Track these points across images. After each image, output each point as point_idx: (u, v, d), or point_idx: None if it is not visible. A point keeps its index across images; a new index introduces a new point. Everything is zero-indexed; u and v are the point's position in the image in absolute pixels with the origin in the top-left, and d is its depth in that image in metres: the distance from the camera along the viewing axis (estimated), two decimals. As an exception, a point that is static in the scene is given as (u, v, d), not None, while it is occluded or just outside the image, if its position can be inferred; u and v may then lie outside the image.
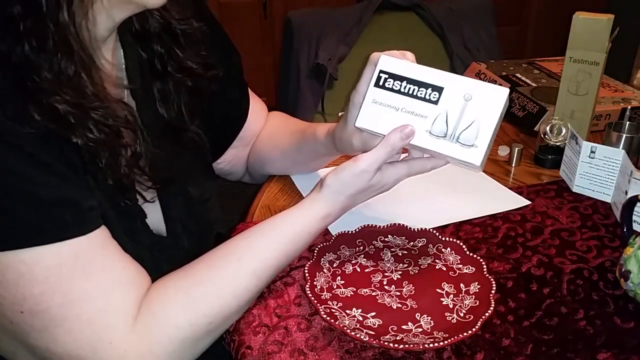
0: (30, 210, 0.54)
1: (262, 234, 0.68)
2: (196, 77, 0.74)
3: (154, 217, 0.72)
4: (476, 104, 0.62)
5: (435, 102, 0.63)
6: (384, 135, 0.65)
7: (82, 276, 0.56)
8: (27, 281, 0.54)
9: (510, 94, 0.62)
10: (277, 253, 0.67)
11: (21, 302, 0.54)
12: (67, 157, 0.57)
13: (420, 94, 0.64)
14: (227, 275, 0.64)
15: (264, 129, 0.96)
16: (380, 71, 0.66)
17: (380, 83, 0.66)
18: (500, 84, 1.26)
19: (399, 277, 0.73)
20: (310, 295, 0.66)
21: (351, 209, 0.73)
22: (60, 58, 0.55)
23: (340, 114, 0.76)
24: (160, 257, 0.69)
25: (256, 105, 0.94)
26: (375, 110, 0.66)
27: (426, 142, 0.64)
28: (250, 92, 0.93)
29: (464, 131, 0.62)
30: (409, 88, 0.64)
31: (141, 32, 0.71)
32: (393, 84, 0.65)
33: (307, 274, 0.70)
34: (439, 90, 0.63)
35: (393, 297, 0.69)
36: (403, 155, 0.72)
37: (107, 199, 0.63)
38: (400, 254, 0.77)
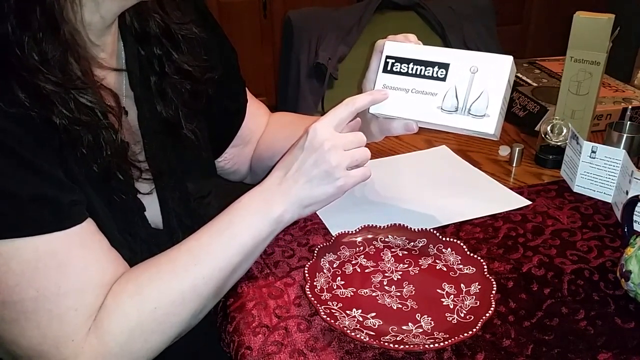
0: (8, 205, 0.54)
1: (217, 241, 0.66)
2: (193, 80, 0.75)
3: (152, 210, 0.72)
4: (483, 74, 0.64)
5: (443, 79, 0.65)
6: (400, 118, 0.68)
7: (57, 272, 0.57)
8: (3, 273, 0.55)
9: (512, 69, 0.64)
10: (229, 264, 0.65)
11: None
12: (49, 147, 0.57)
13: (428, 72, 0.66)
14: (179, 264, 0.63)
15: (276, 123, 0.96)
16: (387, 57, 0.68)
17: (388, 68, 0.68)
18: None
19: (399, 277, 0.72)
20: (310, 295, 0.66)
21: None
22: (45, 37, 0.56)
23: None
24: (156, 251, 0.69)
25: (254, 105, 0.94)
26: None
27: (439, 118, 0.66)
28: (248, 92, 0.93)
29: (474, 103, 0.64)
30: (416, 69, 0.66)
31: (141, 34, 0.72)
32: (400, 67, 0.67)
33: (307, 275, 0.70)
34: (445, 67, 0.65)
35: (393, 297, 0.69)
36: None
37: (98, 192, 0.63)
38: (400, 254, 0.76)
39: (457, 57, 0.65)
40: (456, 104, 0.64)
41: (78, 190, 0.60)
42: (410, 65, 0.67)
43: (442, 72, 0.65)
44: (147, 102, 0.73)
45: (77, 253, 0.59)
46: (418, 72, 0.66)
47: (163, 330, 0.62)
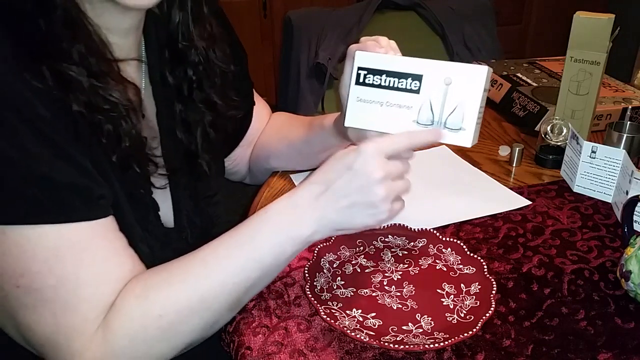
0: (42, 190, 0.55)
1: (234, 255, 0.62)
2: (217, 112, 0.77)
3: (164, 208, 0.73)
4: (457, 86, 0.61)
5: (417, 91, 0.63)
6: (376, 132, 0.65)
7: (78, 262, 0.57)
8: (28, 258, 0.55)
9: (489, 73, 0.62)
10: (245, 279, 0.61)
11: (19, 277, 0.56)
12: (79, 135, 0.59)
13: (402, 85, 0.63)
14: (193, 274, 0.61)
15: (270, 123, 0.97)
16: (359, 68, 0.65)
17: (361, 80, 0.65)
18: (502, 83, 1.26)
19: (399, 277, 0.72)
20: (310, 295, 0.66)
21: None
22: (64, 28, 0.58)
23: None
24: (168, 249, 0.70)
25: (259, 104, 0.96)
26: (361, 108, 0.66)
27: None
28: (255, 93, 0.94)
29: (449, 116, 0.62)
30: (390, 81, 0.64)
31: (181, 55, 0.74)
32: (373, 79, 0.65)
33: (307, 275, 0.70)
34: (419, 78, 0.63)
35: (393, 297, 0.69)
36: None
37: (121, 186, 0.64)
38: (400, 255, 0.76)
39: (430, 68, 0.62)
40: (432, 117, 0.62)
41: (105, 185, 0.61)
42: (383, 77, 0.64)
43: (415, 84, 0.63)
44: (167, 103, 0.75)
45: (99, 245, 0.59)
46: (391, 85, 0.64)
47: (168, 338, 0.60)
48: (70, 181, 0.57)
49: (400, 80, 0.63)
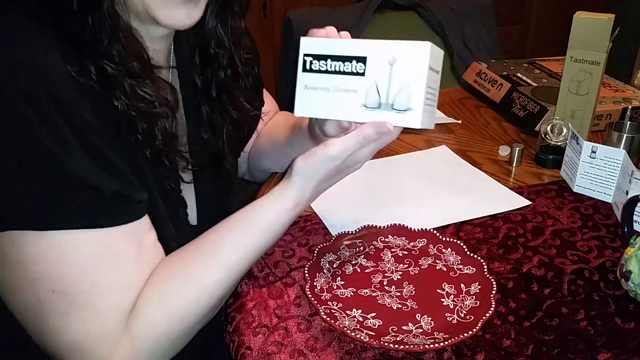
0: (89, 196, 0.56)
1: (232, 228, 0.67)
2: (240, 112, 0.79)
3: (190, 206, 0.75)
4: (401, 65, 0.59)
5: (363, 74, 0.61)
6: (325, 119, 0.64)
7: (111, 268, 0.59)
8: (66, 263, 0.56)
9: (433, 49, 0.59)
10: (248, 246, 0.66)
11: (57, 281, 0.56)
12: (117, 134, 0.60)
13: (347, 68, 0.61)
14: (198, 271, 0.64)
15: (269, 123, 0.98)
16: (305, 55, 0.63)
17: (307, 67, 0.63)
18: (502, 83, 1.26)
19: (399, 277, 0.72)
20: (310, 295, 0.66)
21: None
22: (107, 30, 0.59)
23: None
24: None
25: (268, 104, 0.97)
26: (309, 96, 0.64)
27: (364, 116, 0.62)
28: (264, 90, 0.96)
29: (396, 96, 0.60)
30: (335, 65, 0.62)
31: (211, 58, 0.76)
32: (319, 65, 0.63)
33: (307, 275, 0.70)
34: (363, 60, 0.60)
35: (393, 297, 0.69)
36: None
37: (155, 180, 0.66)
38: (400, 255, 0.76)
39: (373, 49, 0.60)
40: (378, 99, 0.60)
41: (141, 187, 0.62)
42: (329, 62, 0.62)
43: (360, 66, 0.60)
44: (194, 106, 0.77)
45: (131, 250, 0.60)
46: (337, 69, 0.62)
47: (190, 332, 0.65)
48: (111, 188, 0.58)
49: (346, 64, 0.61)
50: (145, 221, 0.63)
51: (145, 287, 0.62)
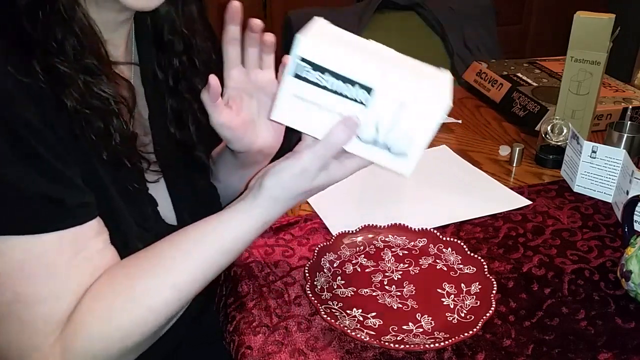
0: (12, 201, 0.52)
1: (189, 241, 0.62)
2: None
3: (165, 206, 0.72)
4: (412, 111, 0.53)
5: (365, 104, 0.54)
6: (307, 135, 0.58)
7: (40, 277, 0.54)
8: None
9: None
10: (204, 264, 0.61)
11: None
12: (66, 135, 0.57)
13: (348, 92, 0.54)
14: (146, 290, 0.59)
15: None
16: (301, 59, 0.53)
17: (301, 74, 0.54)
18: (502, 83, 1.26)
19: (399, 277, 0.72)
20: (310, 295, 0.66)
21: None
22: (57, 21, 0.56)
23: None
24: None
25: None
26: (294, 105, 0.56)
27: (354, 147, 0.56)
28: None
29: (396, 139, 0.55)
30: (334, 84, 0.54)
31: (165, 46, 0.73)
32: (315, 77, 0.54)
33: (307, 274, 0.70)
34: (368, 90, 0.53)
35: (394, 297, 0.69)
36: None
37: (114, 182, 0.62)
38: (400, 254, 0.76)
39: (385, 83, 0.53)
40: (375, 136, 0.55)
41: (87, 190, 0.58)
42: (328, 78, 0.53)
43: (363, 94, 0.53)
44: (157, 99, 0.74)
45: (64, 258, 0.56)
46: (335, 89, 0.54)
47: (129, 353, 0.60)
48: (43, 191, 0.54)
49: (347, 86, 0.53)
50: (90, 226, 0.58)
51: (88, 298, 0.57)
